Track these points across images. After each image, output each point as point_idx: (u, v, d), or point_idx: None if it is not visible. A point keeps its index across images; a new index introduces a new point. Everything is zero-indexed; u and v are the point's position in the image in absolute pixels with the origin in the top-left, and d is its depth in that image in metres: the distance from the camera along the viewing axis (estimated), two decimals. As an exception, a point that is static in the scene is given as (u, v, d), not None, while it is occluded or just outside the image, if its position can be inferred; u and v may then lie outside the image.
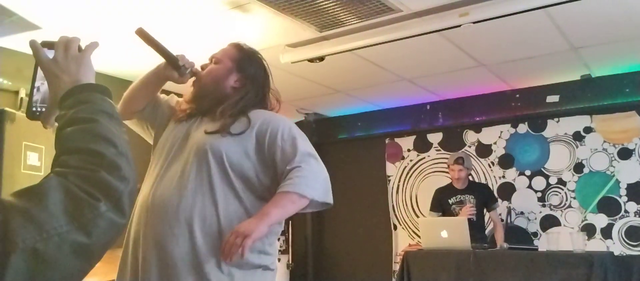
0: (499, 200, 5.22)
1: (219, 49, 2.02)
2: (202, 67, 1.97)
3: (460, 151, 5.58)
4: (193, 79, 1.94)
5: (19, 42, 3.78)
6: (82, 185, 0.84)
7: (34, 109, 1.07)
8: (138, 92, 1.98)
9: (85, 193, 0.83)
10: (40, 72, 1.06)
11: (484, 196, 4.89)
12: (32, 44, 1.06)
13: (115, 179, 0.87)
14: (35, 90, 1.07)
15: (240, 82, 1.94)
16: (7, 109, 3.75)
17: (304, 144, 1.83)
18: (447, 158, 5.70)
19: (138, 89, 1.99)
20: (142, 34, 1.82)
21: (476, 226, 4.74)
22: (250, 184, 1.80)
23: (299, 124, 6.58)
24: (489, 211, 4.91)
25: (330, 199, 1.83)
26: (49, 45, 1.07)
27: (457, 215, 4.75)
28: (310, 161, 1.80)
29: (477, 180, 5.50)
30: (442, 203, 4.96)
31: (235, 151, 1.80)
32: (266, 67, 2.04)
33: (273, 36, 3.96)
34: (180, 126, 1.94)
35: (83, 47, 1.08)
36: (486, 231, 4.97)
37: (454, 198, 4.89)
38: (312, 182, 1.75)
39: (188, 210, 1.74)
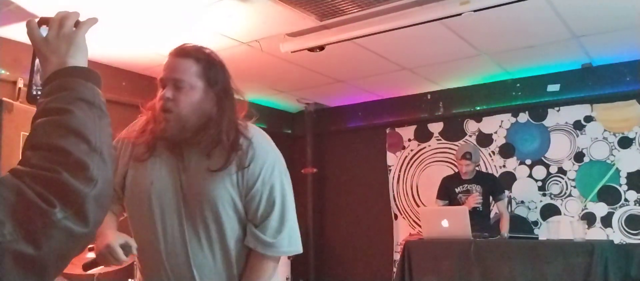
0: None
1: (173, 67, 1.66)
2: (166, 98, 1.63)
3: (464, 139, 5.60)
4: (163, 112, 1.64)
5: (17, 32, 3.77)
6: (37, 188, 0.74)
7: (34, 93, 1.01)
8: None
9: (39, 197, 0.73)
10: None
11: (490, 186, 4.90)
12: (28, 23, 0.98)
13: (79, 182, 0.77)
14: (34, 72, 1.02)
15: (218, 99, 1.68)
16: (4, 99, 3.74)
17: (281, 212, 1.69)
18: (447, 148, 5.71)
19: None
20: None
21: (481, 216, 4.76)
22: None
23: (299, 114, 6.58)
24: (496, 201, 4.93)
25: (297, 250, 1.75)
26: (45, 21, 1.00)
27: (463, 204, 4.76)
28: (281, 238, 1.69)
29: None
30: (448, 192, 4.98)
31: (228, 200, 1.67)
32: (224, 63, 1.75)
33: (273, 25, 3.93)
34: (154, 165, 1.71)
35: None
36: (491, 222, 4.97)
37: (461, 187, 4.90)
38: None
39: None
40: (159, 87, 1.68)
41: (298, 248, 1.74)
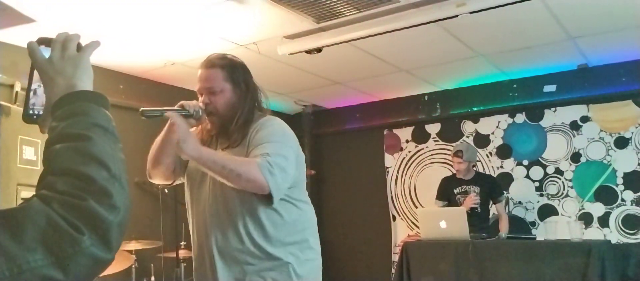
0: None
1: (204, 78, 2.09)
2: (206, 104, 2.06)
3: (461, 140, 5.60)
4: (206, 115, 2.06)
5: (14, 36, 3.76)
6: (66, 215, 0.76)
7: (31, 112, 0.99)
8: (161, 156, 2.07)
9: (68, 224, 0.76)
10: (37, 73, 0.98)
11: (489, 187, 4.90)
12: (29, 45, 0.97)
13: (105, 209, 0.79)
14: (31, 92, 0.99)
15: (242, 93, 2.11)
16: (2, 103, 3.74)
17: (274, 146, 1.98)
18: (445, 149, 5.73)
19: (160, 153, 2.07)
20: (148, 113, 1.90)
21: (480, 217, 4.76)
22: None
23: (296, 116, 6.59)
24: (494, 202, 4.93)
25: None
26: (46, 42, 0.98)
27: (461, 205, 4.77)
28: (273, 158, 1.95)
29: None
30: (447, 192, 4.99)
31: None
32: (244, 64, 2.18)
33: (270, 28, 3.94)
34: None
35: (83, 46, 1.00)
36: (490, 223, 4.97)
37: (459, 188, 4.91)
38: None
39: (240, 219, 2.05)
40: (197, 95, 2.11)
41: (269, 184, 1.90)
